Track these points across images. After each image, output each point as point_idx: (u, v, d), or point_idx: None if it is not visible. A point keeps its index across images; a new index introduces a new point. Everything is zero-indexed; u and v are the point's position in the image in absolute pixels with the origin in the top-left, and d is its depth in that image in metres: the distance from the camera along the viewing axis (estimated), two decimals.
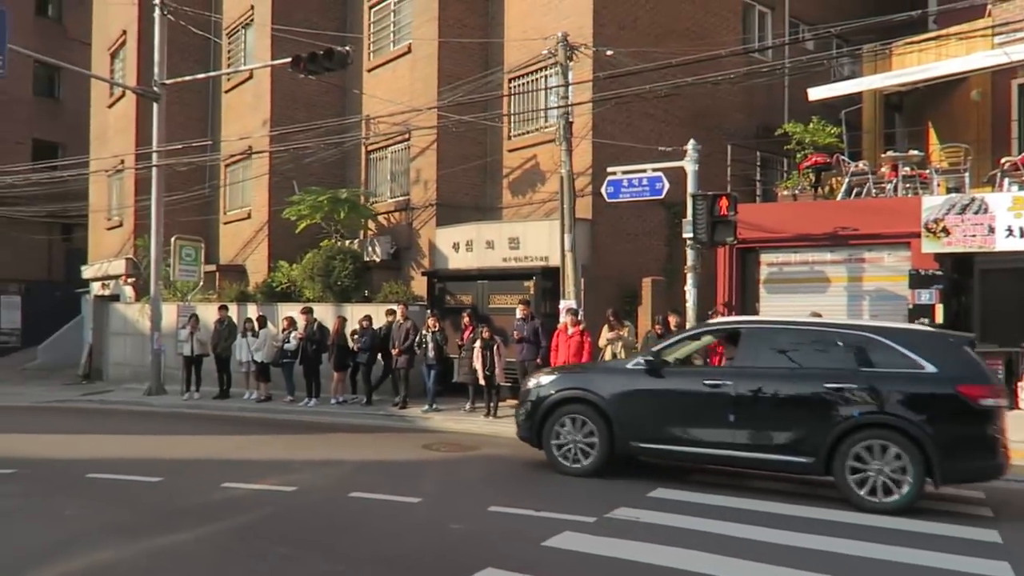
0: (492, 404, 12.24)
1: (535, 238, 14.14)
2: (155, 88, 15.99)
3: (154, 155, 16.10)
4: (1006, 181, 11.62)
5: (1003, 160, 11.97)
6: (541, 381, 8.50)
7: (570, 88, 13.05)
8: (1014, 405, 9.92)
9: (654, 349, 8.22)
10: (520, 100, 16.09)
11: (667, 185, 11.87)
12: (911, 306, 11.42)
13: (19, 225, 25.57)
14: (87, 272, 23.88)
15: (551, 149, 14.32)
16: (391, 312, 13.51)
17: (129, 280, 20.40)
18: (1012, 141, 13.60)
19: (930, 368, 6.95)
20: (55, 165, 23.45)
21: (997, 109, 14.14)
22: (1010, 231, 10.73)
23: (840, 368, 7.18)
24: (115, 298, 21.32)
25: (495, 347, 12.06)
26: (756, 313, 12.48)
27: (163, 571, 4.85)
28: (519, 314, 12.16)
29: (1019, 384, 9.81)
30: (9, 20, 12.63)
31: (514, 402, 12.71)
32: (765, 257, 12.78)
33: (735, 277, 12.77)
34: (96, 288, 22.96)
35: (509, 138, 16.28)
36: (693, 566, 5.10)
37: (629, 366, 8.07)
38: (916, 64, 14.03)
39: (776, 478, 7.96)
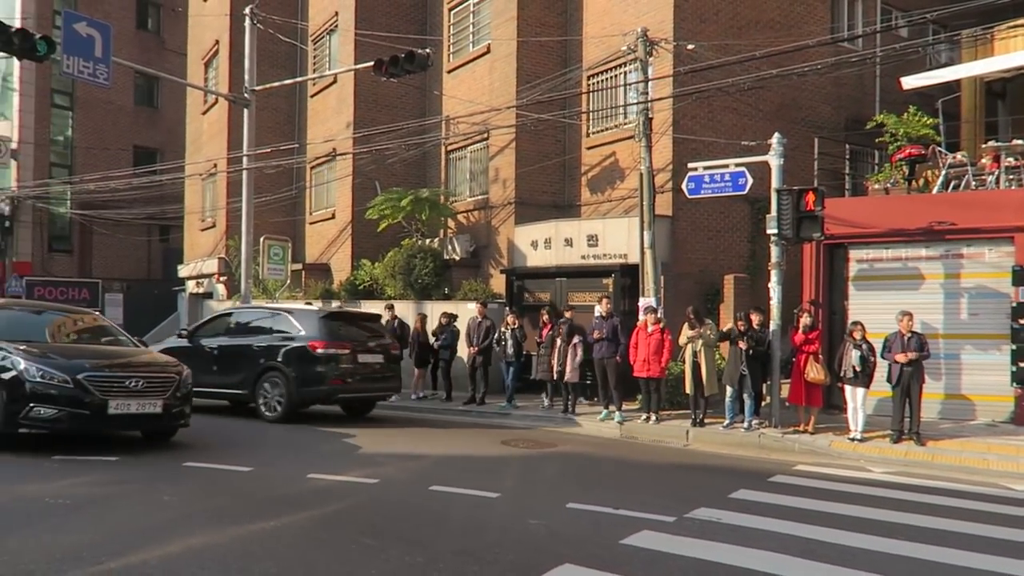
0: (570, 401, 12.22)
1: (614, 235, 14.04)
2: (245, 95, 16.64)
3: (244, 159, 16.76)
4: None
5: None
6: None
7: (650, 84, 12.89)
8: None
9: (187, 328, 13.72)
10: (599, 97, 16.01)
11: (750, 180, 11.58)
12: (1015, 304, 10.79)
13: (122, 227, 27.12)
14: (183, 271, 25.07)
15: (630, 146, 14.18)
16: (447, 315, 13.72)
17: (221, 278, 21.31)
18: None
19: (302, 332, 11.39)
20: (154, 170, 24.75)
21: None
22: None
23: (263, 334, 11.89)
24: (208, 295, 22.30)
25: (572, 343, 12.01)
26: (845, 312, 12.04)
27: (252, 556, 5.04)
28: (599, 311, 12.09)
29: None
30: (112, 34, 13.38)
31: (591, 401, 12.74)
32: (854, 253, 12.31)
33: (822, 274, 12.34)
34: (191, 286, 24.08)
35: (588, 135, 16.21)
36: (774, 568, 4.97)
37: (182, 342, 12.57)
38: (1021, 48, 13.24)
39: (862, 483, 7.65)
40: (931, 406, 11.09)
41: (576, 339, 12.05)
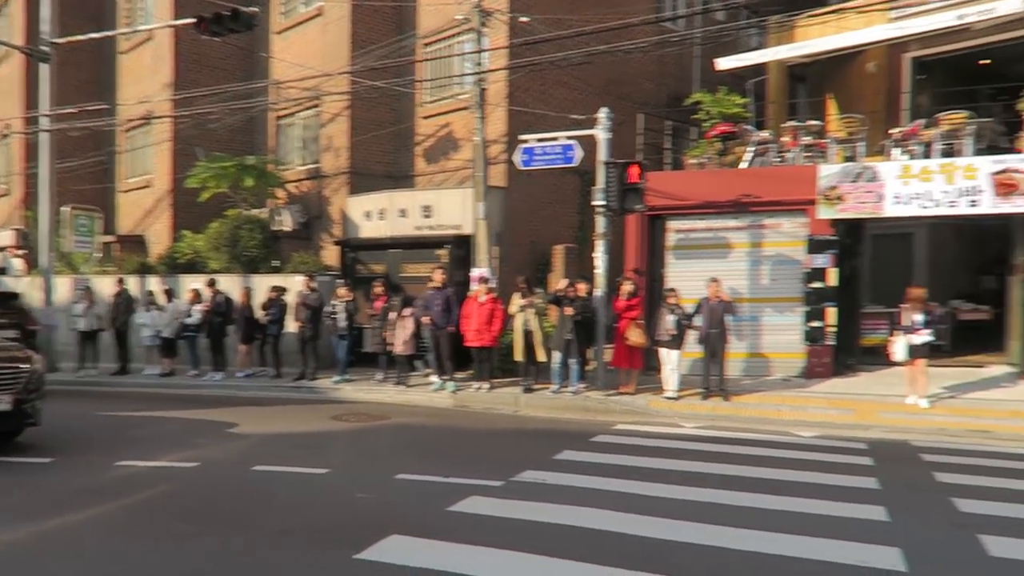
0: (403, 373, 12.21)
1: (448, 206, 14.05)
2: (44, 48, 14.97)
3: (43, 119, 15.13)
4: (895, 151, 12.20)
5: (893, 131, 12.56)
6: None
7: (485, 55, 12.93)
8: (887, 359, 10.59)
9: None
10: (434, 66, 15.85)
11: (580, 153, 11.96)
12: (807, 270, 11.94)
13: None
14: None
15: (465, 116, 14.19)
16: (275, 289, 13.23)
17: (18, 252, 19.25)
18: (902, 112, 14.27)
19: None
20: None
21: (891, 81, 14.80)
22: (898, 198, 11.30)
23: None
24: (2, 271, 20.10)
25: (405, 314, 11.97)
26: (663, 280, 12.81)
27: (53, 555, 4.66)
28: (433, 282, 12.06)
29: (891, 339, 10.43)
30: None
31: (424, 373, 12.79)
32: (672, 224, 13.09)
33: (644, 244, 13.04)
34: None
35: (423, 105, 16.05)
36: (594, 523, 5.25)
37: None
38: (818, 36, 14.50)
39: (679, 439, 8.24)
40: (736, 364, 12.10)
41: (409, 311, 12.00)
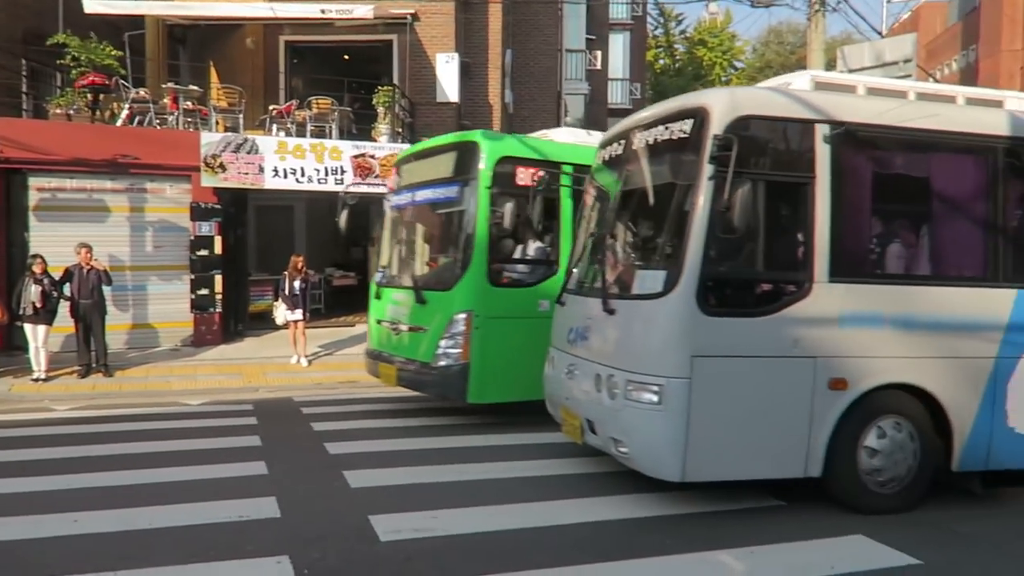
0: None
1: None
2: None
3: None
4: (274, 127, 12.97)
5: (271, 107, 13.31)
6: None
7: None
8: (274, 323, 11.42)
9: None
10: None
11: None
12: (193, 237, 11.85)
13: None
14: None
15: None
16: None
17: None
18: (281, 91, 15.21)
19: None
20: None
21: (269, 60, 15.56)
22: (276, 171, 12.07)
23: None
24: None
25: None
26: (27, 245, 11.11)
27: None
28: None
29: (275, 305, 11.29)
30: None
31: None
32: (35, 181, 11.41)
33: None
34: None
35: None
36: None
37: None
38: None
39: None
40: (119, 337, 11.34)
41: None
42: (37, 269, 9.58)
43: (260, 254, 15.37)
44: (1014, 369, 5.11)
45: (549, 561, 4.08)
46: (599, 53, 26.71)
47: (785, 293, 4.76)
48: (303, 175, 12.17)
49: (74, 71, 12.58)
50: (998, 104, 5.95)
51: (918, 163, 5.22)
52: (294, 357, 11.05)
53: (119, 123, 12.28)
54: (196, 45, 15.94)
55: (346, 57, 16.62)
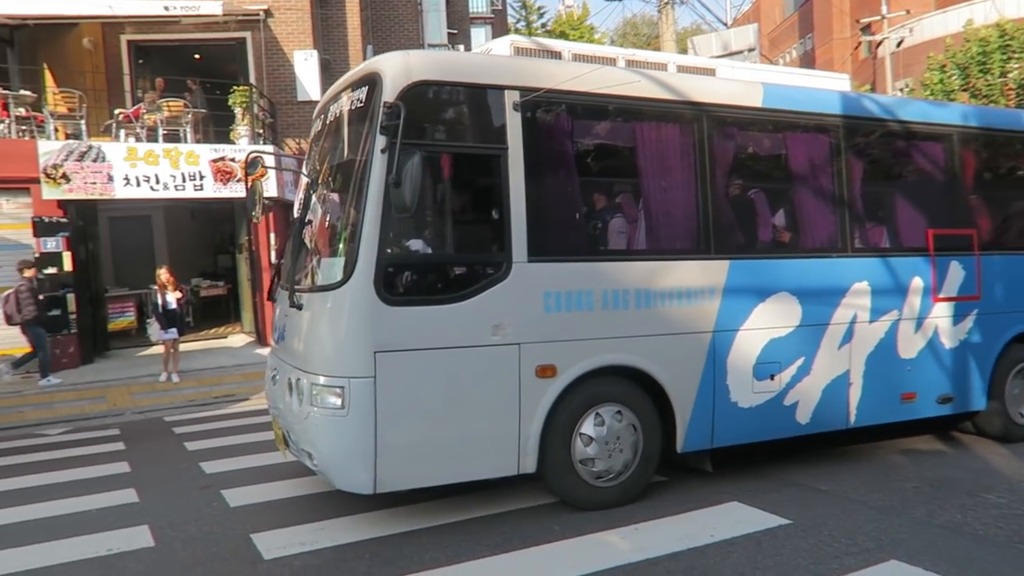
0: None
1: None
2: None
3: None
4: (122, 132, 12.16)
5: (117, 112, 12.46)
6: None
7: None
8: (139, 341, 10.77)
9: None
10: None
11: None
12: (38, 254, 10.96)
13: None
14: None
15: None
16: None
17: None
18: (126, 94, 14.25)
19: None
20: None
21: (110, 61, 14.53)
22: (128, 180, 11.32)
23: None
24: None
25: None
26: None
27: None
28: None
29: (149, 322, 10.64)
30: None
31: None
32: None
33: None
34: None
35: None
36: None
37: None
38: None
39: None
40: None
41: None
42: None
43: (117, 268, 14.43)
44: (732, 342, 4.90)
45: (445, 559, 4.07)
46: (461, 47, 26.75)
47: (481, 276, 4.27)
48: (158, 182, 11.48)
49: None
50: (710, 73, 5.77)
51: (622, 132, 4.86)
52: (163, 375, 10.45)
53: None
54: (28, 47, 14.67)
55: (197, 56, 15.80)
